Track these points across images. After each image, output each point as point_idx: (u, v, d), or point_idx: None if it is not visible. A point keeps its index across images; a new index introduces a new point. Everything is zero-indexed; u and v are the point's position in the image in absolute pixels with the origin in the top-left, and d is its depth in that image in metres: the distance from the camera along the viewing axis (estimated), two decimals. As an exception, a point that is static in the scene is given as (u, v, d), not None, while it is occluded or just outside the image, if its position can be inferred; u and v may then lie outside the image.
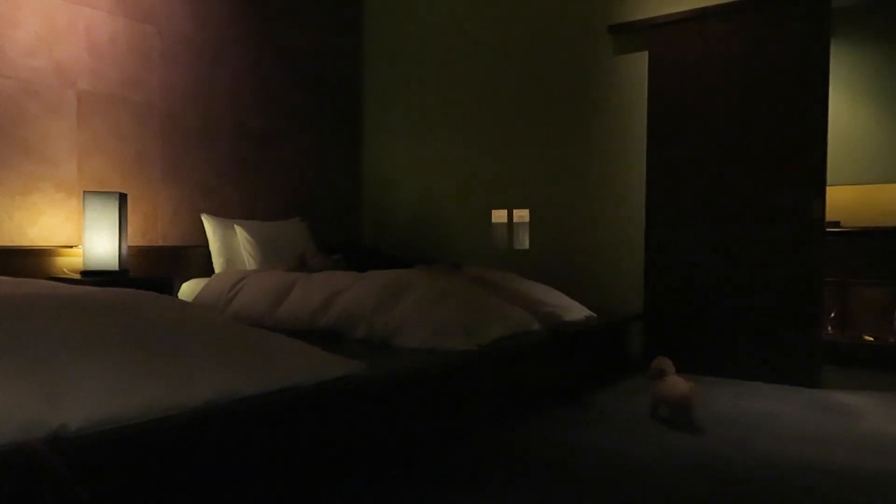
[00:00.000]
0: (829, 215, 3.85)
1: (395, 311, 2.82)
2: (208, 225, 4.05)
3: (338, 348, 2.30)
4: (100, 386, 1.41)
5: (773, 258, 3.63)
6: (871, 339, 4.24)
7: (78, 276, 3.40)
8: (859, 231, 4.40)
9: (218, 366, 1.66)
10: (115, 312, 1.77)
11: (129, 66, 3.82)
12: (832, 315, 4.33)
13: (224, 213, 4.24)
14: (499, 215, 4.59)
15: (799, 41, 3.56)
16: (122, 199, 3.47)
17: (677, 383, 2.74)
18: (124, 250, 3.48)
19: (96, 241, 3.40)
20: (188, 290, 3.76)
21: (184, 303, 2.53)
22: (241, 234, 4.03)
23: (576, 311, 3.44)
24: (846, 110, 4.84)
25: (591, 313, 3.56)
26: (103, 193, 3.44)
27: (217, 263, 3.98)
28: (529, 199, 4.45)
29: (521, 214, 4.49)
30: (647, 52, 3.98)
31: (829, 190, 3.62)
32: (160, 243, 3.97)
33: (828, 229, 3.68)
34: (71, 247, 3.52)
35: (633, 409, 2.98)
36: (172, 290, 3.58)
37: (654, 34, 3.95)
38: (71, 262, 3.50)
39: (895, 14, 4.78)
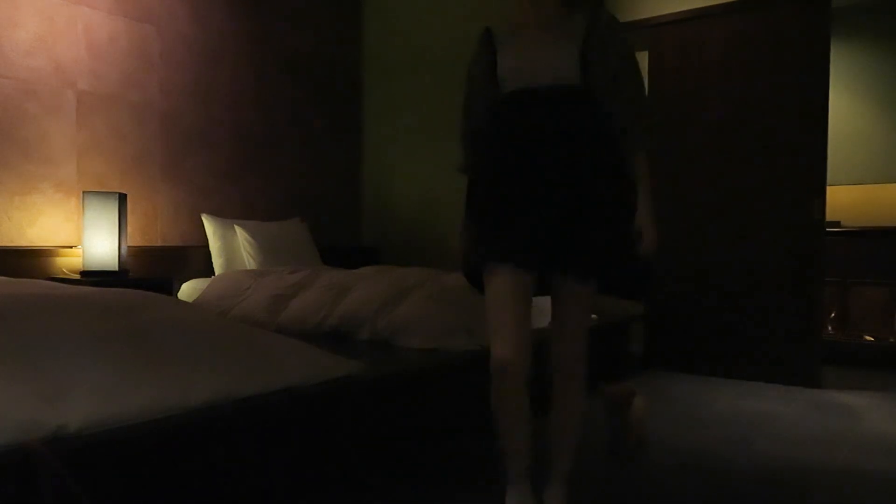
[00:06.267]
0: (829, 215, 3.85)
1: (397, 311, 2.82)
2: (208, 225, 4.04)
3: (340, 348, 2.29)
4: (100, 386, 1.41)
5: (773, 258, 3.63)
6: (871, 339, 4.24)
7: (77, 277, 3.40)
8: (859, 231, 4.41)
9: (218, 366, 1.65)
10: (114, 313, 1.76)
11: (129, 66, 3.82)
12: (832, 315, 4.33)
13: (224, 214, 4.24)
14: (499, 215, 4.57)
15: (799, 41, 3.56)
16: (122, 200, 3.47)
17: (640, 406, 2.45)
18: (124, 250, 3.47)
19: (96, 241, 3.40)
20: (188, 290, 3.75)
21: (184, 303, 2.52)
22: (241, 234, 4.03)
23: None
24: (846, 110, 4.84)
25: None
26: (103, 194, 3.44)
27: (217, 264, 3.98)
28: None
29: (521, 214, 4.48)
30: (647, 52, 3.98)
31: (829, 190, 3.62)
32: (160, 243, 3.96)
33: (828, 229, 3.68)
34: (70, 247, 3.52)
35: (634, 409, 2.97)
36: (172, 290, 3.57)
37: (654, 34, 3.95)
38: (70, 262, 3.50)
39: (895, 14, 4.77)
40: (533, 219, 1.64)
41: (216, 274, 3.87)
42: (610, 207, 1.68)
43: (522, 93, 1.70)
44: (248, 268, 3.93)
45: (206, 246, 4.04)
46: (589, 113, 1.69)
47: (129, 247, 3.63)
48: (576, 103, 1.68)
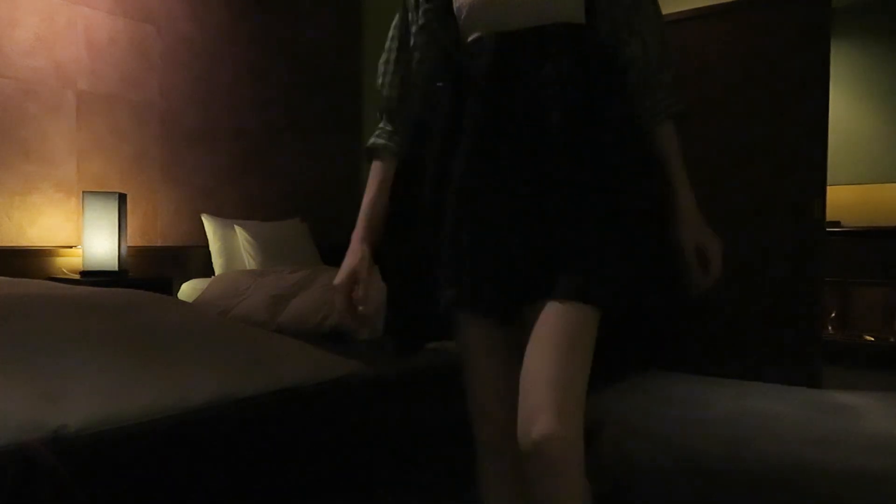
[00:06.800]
0: (830, 215, 3.85)
1: None
2: (208, 225, 4.04)
3: (340, 348, 2.29)
4: (100, 386, 1.41)
5: (773, 258, 3.63)
6: (871, 339, 4.24)
7: (77, 277, 3.40)
8: (859, 231, 4.41)
9: (217, 366, 1.65)
10: (114, 313, 1.77)
11: (129, 66, 3.82)
12: (832, 315, 4.33)
13: (224, 214, 4.24)
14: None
15: (799, 41, 3.56)
16: (122, 200, 3.47)
17: None
18: (124, 251, 3.47)
19: (96, 241, 3.40)
20: (188, 290, 3.75)
21: (184, 303, 2.53)
22: (240, 234, 4.02)
23: None
24: (846, 110, 4.84)
25: None
26: (103, 194, 3.44)
27: (217, 264, 3.98)
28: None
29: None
30: (646, 52, 3.98)
31: (829, 190, 3.62)
32: (160, 243, 3.96)
33: (828, 229, 3.68)
34: (70, 247, 3.52)
35: (631, 410, 2.97)
36: (172, 290, 3.57)
37: (654, 34, 3.95)
38: (70, 262, 3.50)
39: (895, 14, 4.78)
40: (520, 243, 1.06)
41: (216, 274, 3.87)
42: (644, 217, 1.12)
43: (495, 41, 1.07)
44: (248, 268, 3.93)
45: (206, 246, 4.04)
46: (603, 67, 1.07)
47: (129, 247, 3.63)
48: (581, 53, 1.05)
